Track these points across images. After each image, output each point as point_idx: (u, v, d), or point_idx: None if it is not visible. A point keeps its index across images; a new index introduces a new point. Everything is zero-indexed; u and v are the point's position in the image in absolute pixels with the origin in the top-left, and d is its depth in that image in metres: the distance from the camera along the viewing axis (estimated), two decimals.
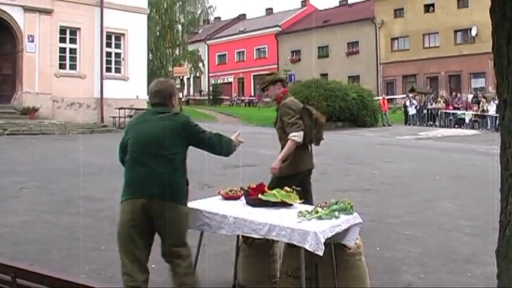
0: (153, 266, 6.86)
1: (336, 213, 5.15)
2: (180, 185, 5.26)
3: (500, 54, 3.29)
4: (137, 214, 5.35)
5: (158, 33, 57.85)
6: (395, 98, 54.70)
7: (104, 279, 6.30)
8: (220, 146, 5.47)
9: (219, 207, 5.48)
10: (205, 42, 79.43)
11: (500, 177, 3.41)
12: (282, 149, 6.86)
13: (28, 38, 28.51)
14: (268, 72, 7.72)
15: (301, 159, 6.85)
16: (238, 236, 5.93)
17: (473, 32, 52.01)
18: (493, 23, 3.34)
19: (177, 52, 62.51)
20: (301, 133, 6.72)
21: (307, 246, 4.71)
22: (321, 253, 4.69)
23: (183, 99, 55.03)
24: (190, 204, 5.55)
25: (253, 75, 72.85)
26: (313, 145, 7.01)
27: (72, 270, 6.54)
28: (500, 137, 3.37)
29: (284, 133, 6.90)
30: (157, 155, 5.26)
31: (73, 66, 30.86)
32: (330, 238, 4.98)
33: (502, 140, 3.36)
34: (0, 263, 3.12)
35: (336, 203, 5.29)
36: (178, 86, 52.35)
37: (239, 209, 5.43)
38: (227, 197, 5.91)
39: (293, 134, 6.72)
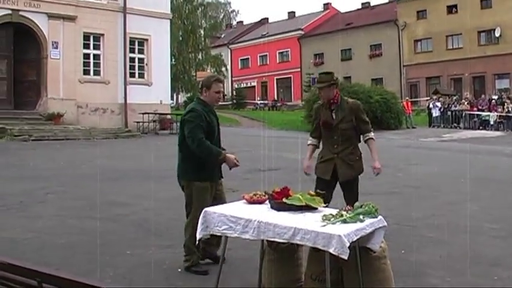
0: (179, 270, 6.90)
1: (361, 216, 5.13)
2: (183, 166, 6.79)
3: None
4: None
5: (181, 38, 58.07)
6: (419, 100, 54.40)
7: (129, 284, 6.32)
8: (194, 149, 6.60)
9: (243, 212, 5.48)
10: (228, 47, 79.56)
11: None
12: (345, 147, 7.14)
13: (52, 44, 28.73)
14: (326, 71, 7.65)
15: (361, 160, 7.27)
16: (262, 240, 5.92)
17: (497, 33, 51.69)
18: None
19: (200, 57, 62.69)
20: None
21: (331, 250, 4.69)
22: (345, 257, 4.66)
23: None
24: (214, 209, 5.59)
25: (277, 79, 72.91)
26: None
27: (97, 275, 6.57)
28: None
29: (355, 132, 7.20)
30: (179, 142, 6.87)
31: (97, 72, 31.03)
32: (355, 242, 4.95)
33: None
34: (26, 267, 3.14)
35: (361, 207, 5.27)
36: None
37: (263, 213, 5.41)
38: (251, 201, 5.90)
39: (373, 133, 7.25)
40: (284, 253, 5.94)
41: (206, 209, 5.65)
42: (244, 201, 5.97)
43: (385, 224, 5.34)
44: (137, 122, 30.94)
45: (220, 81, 7.09)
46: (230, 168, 6.89)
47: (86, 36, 30.42)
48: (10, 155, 19.58)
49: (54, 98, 28.57)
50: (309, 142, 7.56)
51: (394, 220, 8.88)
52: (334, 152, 7.11)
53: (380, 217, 5.28)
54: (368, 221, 5.13)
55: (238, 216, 5.36)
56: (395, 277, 5.77)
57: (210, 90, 6.84)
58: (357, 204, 5.38)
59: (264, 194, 5.98)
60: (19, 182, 13.50)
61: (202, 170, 6.66)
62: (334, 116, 7.13)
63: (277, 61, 73.57)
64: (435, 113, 42.09)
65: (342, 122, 7.07)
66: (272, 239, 5.21)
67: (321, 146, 7.46)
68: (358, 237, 4.92)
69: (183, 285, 6.42)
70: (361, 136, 7.32)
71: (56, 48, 28.84)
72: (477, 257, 7.68)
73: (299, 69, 69.76)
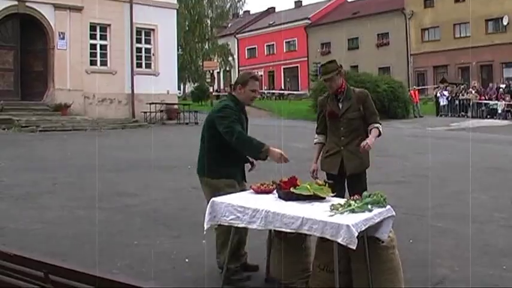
0: (186, 260, 6.90)
1: (369, 206, 5.10)
2: (205, 161, 6.36)
3: None
4: None
5: (187, 28, 57.91)
6: (427, 89, 54.26)
7: (137, 275, 6.31)
8: (235, 143, 6.09)
9: (250, 202, 5.46)
10: (234, 36, 79.52)
11: None
12: (352, 138, 6.82)
13: (59, 35, 28.76)
14: (328, 60, 7.43)
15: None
16: (270, 230, 5.90)
17: (505, 21, 51.48)
18: None
19: (206, 46, 62.56)
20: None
21: (340, 240, 4.66)
22: (354, 247, 4.64)
23: (214, 93, 55.05)
24: (221, 199, 5.57)
25: (284, 68, 72.81)
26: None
27: (105, 266, 6.55)
28: None
29: (363, 123, 6.87)
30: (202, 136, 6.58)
31: (104, 63, 31.07)
32: (363, 231, 4.93)
33: None
34: (33, 259, 3.13)
35: (369, 196, 5.24)
36: (209, 80, 52.44)
37: (271, 203, 5.39)
38: (259, 191, 5.88)
39: (380, 124, 6.90)
40: (292, 243, 5.91)
41: (214, 199, 5.63)
42: (252, 191, 5.95)
43: (394, 213, 5.31)
44: (144, 112, 30.98)
45: (257, 79, 6.68)
46: (277, 162, 6.21)
47: (93, 27, 30.46)
48: (18, 146, 19.61)
49: (61, 89, 28.61)
50: (315, 141, 7.19)
51: (402, 210, 8.85)
52: (341, 145, 6.77)
53: (388, 206, 5.25)
54: (376, 210, 5.10)
55: (246, 206, 5.34)
56: (404, 267, 5.73)
57: (246, 87, 6.42)
58: (365, 193, 5.35)
59: (271, 183, 5.95)
60: (27, 173, 13.52)
61: (227, 166, 6.33)
62: (340, 106, 6.85)
63: (284, 50, 73.41)
64: (443, 101, 41.98)
65: (349, 111, 6.79)
66: (280, 229, 5.19)
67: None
68: (366, 227, 4.90)
69: (191, 275, 6.42)
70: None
71: (63, 39, 28.87)
72: (486, 247, 7.65)
73: (306, 59, 69.62)
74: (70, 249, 7.27)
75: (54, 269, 2.98)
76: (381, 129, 6.82)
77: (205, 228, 5.67)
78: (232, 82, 69.14)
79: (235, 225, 5.47)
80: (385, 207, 5.20)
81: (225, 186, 6.13)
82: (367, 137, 6.69)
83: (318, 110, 7.21)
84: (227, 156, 6.27)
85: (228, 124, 6.11)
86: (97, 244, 7.35)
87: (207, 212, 5.58)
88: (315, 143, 7.15)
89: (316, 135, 7.19)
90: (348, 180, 6.77)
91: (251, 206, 5.30)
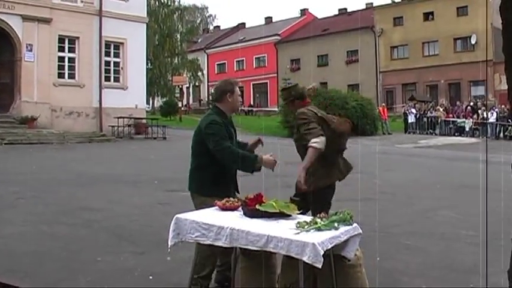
0: (150, 277, 6.77)
1: (336, 224, 5.01)
2: (197, 178, 6.16)
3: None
4: None
5: (157, 42, 57.89)
6: (395, 107, 54.68)
7: None
8: (227, 161, 6.00)
9: (215, 219, 5.34)
10: (204, 51, 79.58)
11: None
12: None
13: (27, 47, 28.54)
14: (285, 85, 7.27)
15: (332, 169, 6.57)
16: (235, 247, 5.79)
17: (473, 40, 52.15)
18: (503, 21, 3.20)
19: (176, 61, 62.55)
20: (323, 139, 6.19)
21: (305, 258, 4.57)
22: (319, 265, 4.55)
23: (182, 108, 54.93)
24: (186, 216, 5.45)
25: (253, 84, 72.91)
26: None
27: (68, 283, 6.42)
28: None
29: (303, 143, 6.40)
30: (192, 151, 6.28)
31: (72, 75, 30.87)
32: (329, 250, 4.85)
33: None
34: None
35: (336, 214, 5.17)
36: (178, 95, 52.30)
37: (236, 220, 5.28)
38: (224, 208, 5.77)
39: (313, 140, 6.17)
40: (258, 260, 5.82)
41: (177, 215, 5.51)
42: (217, 207, 5.84)
43: (360, 231, 5.23)
44: (112, 126, 30.82)
45: (237, 83, 6.49)
46: (272, 170, 6.19)
47: (61, 39, 30.26)
48: None
49: (28, 101, 28.35)
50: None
51: (369, 227, 8.79)
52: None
53: (355, 225, 5.17)
54: (343, 228, 5.02)
55: (211, 223, 5.23)
56: (371, 285, 5.68)
57: (234, 94, 6.23)
58: (331, 211, 5.27)
59: (236, 200, 5.85)
60: None
61: (220, 184, 6.13)
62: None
63: (254, 66, 73.65)
64: (411, 119, 42.41)
65: (294, 132, 6.67)
66: (245, 247, 5.09)
67: None
68: (332, 245, 4.81)
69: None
70: None
71: (31, 50, 28.64)
72: (454, 265, 7.63)
73: (275, 75, 69.79)
74: (32, 266, 7.11)
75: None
76: (316, 145, 6.18)
77: (169, 245, 5.55)
78: (201, 97, 69.05)
79: (201, 242, 5.36)
80: (351, 225, 5.13)
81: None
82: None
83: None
84: (220, 172, 6.11)
85: (217, 141, 5.93)
86: (60, 260, 7.20)
87: (171, 229, 5.46)
88: None
89: None
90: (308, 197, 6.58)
91: (216, 223, 5.19)
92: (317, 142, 6.16)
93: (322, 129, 6.34)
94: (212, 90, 6.79)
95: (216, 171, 6.10)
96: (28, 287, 2.86)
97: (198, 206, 6.07)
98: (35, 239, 8.60)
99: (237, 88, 6.33)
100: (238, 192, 6.36)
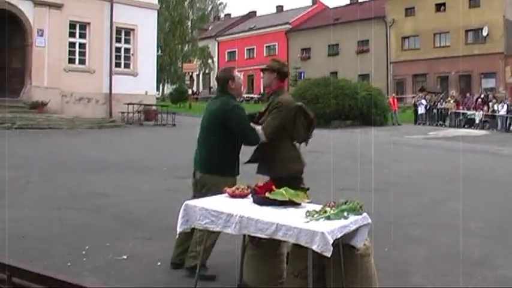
0: (159, 263, 6.78)
1: (345, 213, 5.01)
2: (217, 158, 6.30)
3: None
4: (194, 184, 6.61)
5: (168, 29, 57.90)
6: (405, 97, 54.51)
7: (107, 277, 6.19)
8: (254, 140, 6.33)
9: (225, 206, 5.35)
10: (215, 39, 79.48)
11: None
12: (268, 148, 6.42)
13: (38, 32, 28.54)
14: (275, 59, 7.22)
15: (293, 160, 6.50)
16: (244, 235, 5.79)
17: (485, 32, 51.90)
18: None
19: (186, 48, 62.51)
20: (264, 137, 6.31)
21: (314, 247, 4.57)
22: (329, 254, 4.55)
23: (192, 96, 54.94)
24: (195, 203, 5.46)
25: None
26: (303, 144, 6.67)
27: (75, 268, 6.44)
28: None
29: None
30: (203, 135, 6.47)
31: (82, 61, 30.88)
32: (339, 239, 4.84)
33: None
34: None
35: (345, 203, 5.15)
36: (188, 82, 52.28)
37: (246, 208, 5.28)
38: (234, 195, 5.77)
39: (260, 131, 6.32)
40: (266, 249, 5.83)
41: (187, 202, 5.52)
42: (226, 194, 5.84)
43: (370, 221, 5.23)
44: (122, 113, 30.86)
45: (234, 69, 6.86)
46: None
47: (72, 25, 30.27)
48: None
49: (38, 86, 28.38)
50: None
51: (378, 217, 8.78)
52: None
53: (364, 214, 5.17)
54: (352, 218, 5.02)
55: (220, 210, 5.23)
56: (379, 275, 5.67)
57: (235, 79, 6.44)
58: (341, 200, 5.26)
59: (246, 187, 5.84)
60: None
61: (235, 165, 6.36)
62: (263, 109, 6.64)
63: (264, 54, 73.41)
64: (421, 110, 42.18)
65: (264, 115, 6.53)
66: (254, 235, 5.09)
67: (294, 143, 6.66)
68: (341, 234, 4.81)
69: (161, 278, 6.31)
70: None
71: (42, 36, 28.64)
72: (462, 256, 7.60)
73: (286, 64, 69.61)
74: (40, 250, 7.12)
75: (17, 272, 2.87)
76: (261, 133, 6.33)
77: (178, 231, 5.56)
78: (211, 85, 68.92)
79: (210, 229, 5.37)
80: (361, 214, 5.12)
81: (229, 185, 6.01)
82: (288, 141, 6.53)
83: None
84: (233, 154, 6.33)
85: (246, 124, 6.32)
86: (68, 245, 7.23)
87: (180, 215, 5.46)
88: None
89: None
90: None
91: (225, 210, 5.20)
92: (261, 134, 6.34)
93: (295, 117, 6.44)
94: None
95: (236, 152, 6.34)
96: (37, 271, 2.86)
97: (215, 188, 6.11)
98: (44, 223, 8.63)
99: (235, 72, 6.59)
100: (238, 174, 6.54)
